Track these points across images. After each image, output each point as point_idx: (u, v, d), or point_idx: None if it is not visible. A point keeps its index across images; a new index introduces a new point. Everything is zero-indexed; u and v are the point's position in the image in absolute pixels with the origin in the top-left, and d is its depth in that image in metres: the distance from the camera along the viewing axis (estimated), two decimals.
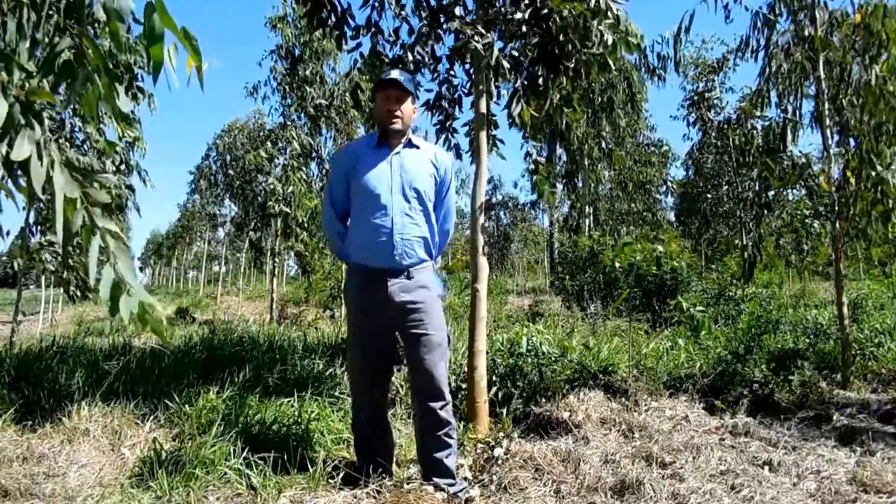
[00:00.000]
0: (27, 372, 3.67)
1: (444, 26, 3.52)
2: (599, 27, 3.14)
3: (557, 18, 3.13)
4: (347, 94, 10.40)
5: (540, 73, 3.31)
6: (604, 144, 14.38)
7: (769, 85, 4.78)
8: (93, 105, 1.49)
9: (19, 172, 1.34)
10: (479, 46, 3.15)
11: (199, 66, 1.52)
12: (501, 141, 3.55)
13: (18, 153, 1.29)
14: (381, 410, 2.58)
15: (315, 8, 3.56)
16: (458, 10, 3.35)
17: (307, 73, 11.13)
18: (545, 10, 3.17)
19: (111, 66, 1.46)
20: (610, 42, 3.18)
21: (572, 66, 3.25)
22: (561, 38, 3.17)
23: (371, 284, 2.41)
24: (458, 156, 3.81)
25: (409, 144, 2.52)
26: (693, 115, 16.53)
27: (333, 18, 3.60)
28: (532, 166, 3.68)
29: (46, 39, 1.49)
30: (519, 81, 3.40)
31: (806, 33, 4.40)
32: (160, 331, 1.39)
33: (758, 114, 5.01)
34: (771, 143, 4.83)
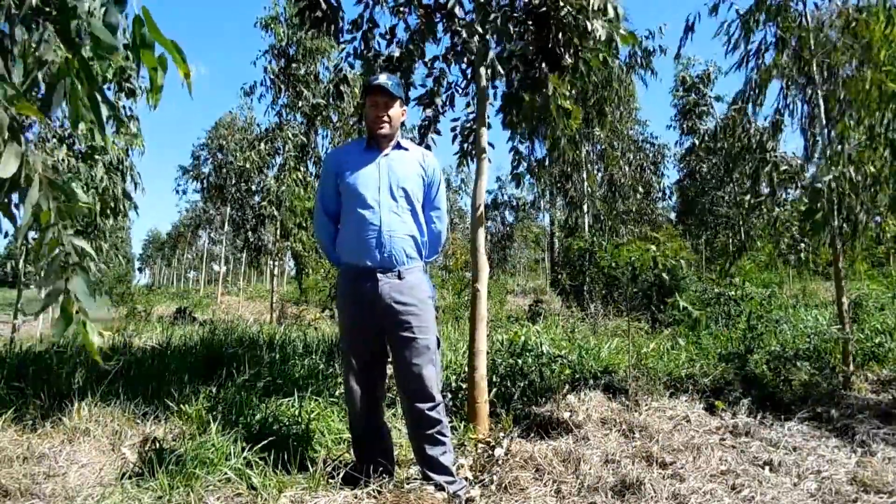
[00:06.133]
0: (27, 372, 3.68)
1: (443, 25, 3.52)
2: (595, 22, 3.14)
3: (554, 14, 3.14)
4: (332, 87, 10.45)
5: (538, 70, 3.32)
6: (597, 146, 14.36)
7: (755, 87, 4.79)
8: (78, 109, 1.52)
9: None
10: (478, 47, 3.16)
11: (187, 73, 1.62)
12: (491, 145, 3.56)
13: (5, 170, 1.32)
14: (379, 410, 2.57)
15: (309, 5, 3.55)
16: (457, 10, 3.35)
17: (301, 72, 11.13)
18: (543, 8, 3.17)
19: (92, 74, 1.50)
20: (604, 37, 3.18)
21: (571, 62, 3.26)
22: (560, 35, 3.17)
23: (361, 285, 2.41)
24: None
25: (398, 146, 2.55)
26: (685, 124, 17.02)
27: (328, 14, 3.60)
28: (515, 162, 3.77)
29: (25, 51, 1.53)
30: (515, 81, 3.40)
31: (795, 34, 4.41)
32: (93, 351, 1.47)
33: (747, 116, 5.02)
34: (760, 146, 4.85)
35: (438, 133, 3.89)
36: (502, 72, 3.29)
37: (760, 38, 4.68)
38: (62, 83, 1.46)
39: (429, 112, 3.84)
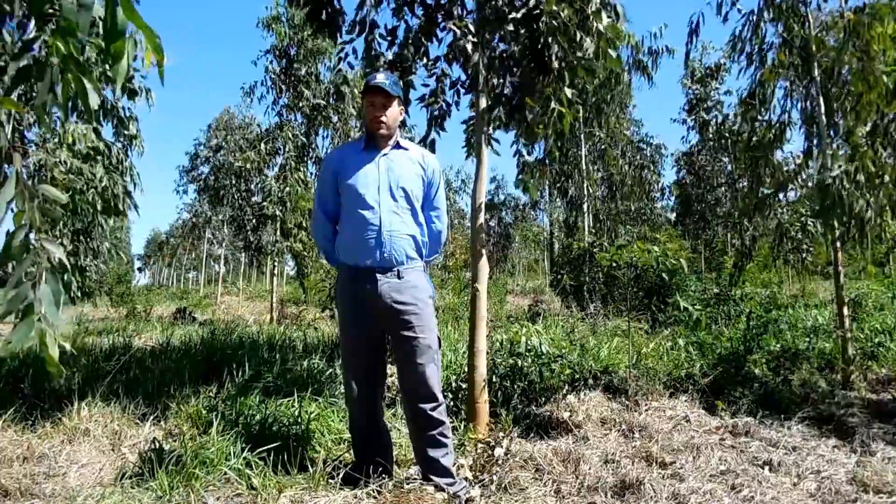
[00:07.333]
0: (27, 372, 3.68)
1: (441, 25, 3.52)
2: (581, 32, 3.14)
3: (547, 20, 3.13)
4: (332, 87, 10.42)
5: (531, 72, 3.31)
6: (598, 146, 14.34)
7: (760, 87, 4.80)
8: (66, 95, 1.48)
9: None
10: (469, 47, 3.16)
11: (160, 61, 1.52)
12: (497, 140, 3.56)
13: None
14: (379, 410, 2.57)
15: (316, 11, 3.56)
16: (455, 10, 3.35)
17: (302, 72, 11.12)
18: (537, 11, 3.16)
19: (80, 61, 1.45)
20: (591, 51, 3.17)
21: (557, 68, 3.24)
22: (549, 40, 3.16)
23: (361, 285, 2.41)
24: (432, 150, 3.82)
25: (397, 146, 2.55)
26: (692, 118, 16.91)
27: (331, 17, 3.60)
28: (520, 166, 3.75)
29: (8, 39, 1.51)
30: (507, 83, 3.40)
31: (798, 35, 4.42)
32: (51, 362, 1.42)
33: (750, 116, 5.03)
34: (763, 144, 4.86)
35: (444, 130, 3.88)
36: (485, 73, 3.28)
37: (762, 37, 4.69)
38: (49, 69, 1.43)
39: (434, 111, 3.82)
